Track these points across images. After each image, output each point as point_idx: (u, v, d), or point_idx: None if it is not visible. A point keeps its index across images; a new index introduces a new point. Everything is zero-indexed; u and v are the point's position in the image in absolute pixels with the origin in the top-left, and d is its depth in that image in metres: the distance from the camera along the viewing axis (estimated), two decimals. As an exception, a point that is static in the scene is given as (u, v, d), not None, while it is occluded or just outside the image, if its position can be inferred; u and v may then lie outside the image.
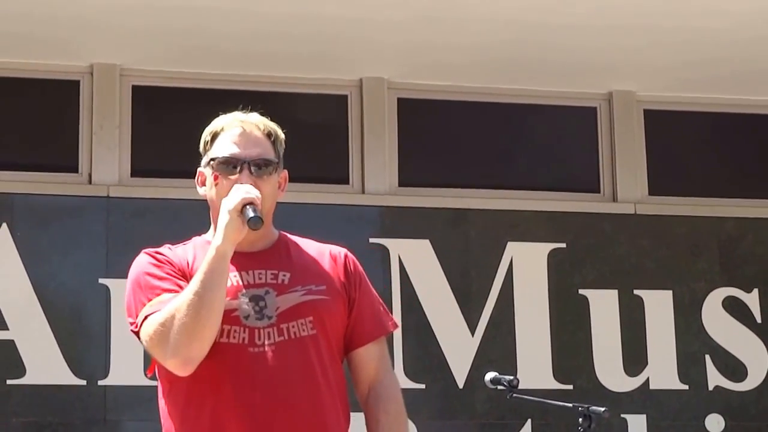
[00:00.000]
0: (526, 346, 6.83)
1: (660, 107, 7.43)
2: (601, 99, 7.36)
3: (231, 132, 3.11)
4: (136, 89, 6.81)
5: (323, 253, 3.18)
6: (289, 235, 3.21)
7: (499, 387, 5.21)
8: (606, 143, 7.34)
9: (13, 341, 6.28)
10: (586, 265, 7.03)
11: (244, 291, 3.02)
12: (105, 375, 6.29)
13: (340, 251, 3.21)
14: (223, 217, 2.95)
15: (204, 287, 2.89)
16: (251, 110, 3.16)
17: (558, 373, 6.86)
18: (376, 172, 6.98)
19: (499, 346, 6.80)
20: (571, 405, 5.03)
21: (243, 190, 2.97)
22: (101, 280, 6.36)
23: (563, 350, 6.90)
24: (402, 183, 7.08)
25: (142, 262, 3.10)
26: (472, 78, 7.11)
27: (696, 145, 7.56)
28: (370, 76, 7.04)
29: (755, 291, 7.14)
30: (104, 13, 6.19)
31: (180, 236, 6.89)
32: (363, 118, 7.05)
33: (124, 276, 6.45)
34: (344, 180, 7.00)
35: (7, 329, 6.29)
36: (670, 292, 7.07)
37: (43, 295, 6.35)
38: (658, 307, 7.03)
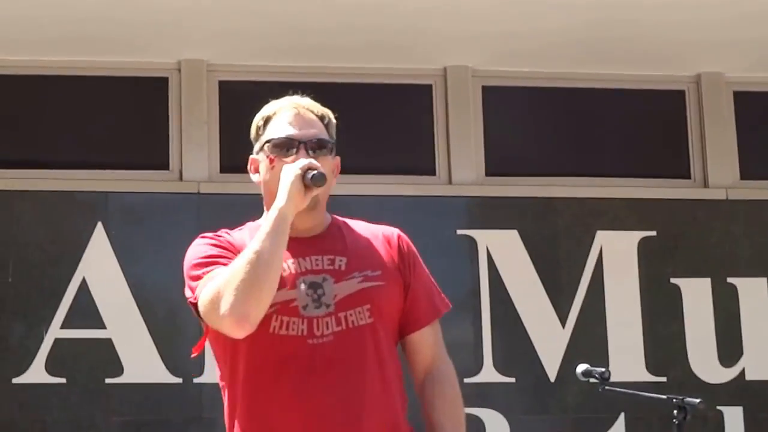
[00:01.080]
0: (618, 337, 6.74)
1: (750, 88, 7.29)
2: (689, 82, 7.24)
3: (285, 114, 3.07)
4: (223, 84, 6.81)
5: (376, 235, 3.12)
6: (339, 218, 3.15)
7: (591, 380, 5.15)
8: (695, 127, 7.21)
9: (110, 340, 6.33)
10: (677, 254, 6.92)
11: (302, 278, 2.98)
12: (200, 373, 6.30)
13: (393, 232, 3.15)
14: (287, 179, 2.91)
15: (263, 246, 2.83)
16: (308, 97, 3.13)
17: (651, 365, 6.77)
18: (462, 163, 6.92)
19: (590, 338, 6.72)
20: (665, 397, 4.95)
21: (307, 160, 2.95)
22: None
23: (656, 341, 6.80)
24: (489, 173, 7.01)
25: (199, 243, 3.08)
26: (556, 63, 7.02)
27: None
28: (454, 64, 6.97)
29: None
30: (190, 10, 6.18)
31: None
32: (448, 108, 6.99)
33: None
34: (431, 171, 6.95)
35: (105, 328, 6.33)
36: (765, 279, 6.94)
37: (139, 293, 6.37)
38: (753, 295, 6.90)
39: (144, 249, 6.45)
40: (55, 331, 6.31)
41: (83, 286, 6.34)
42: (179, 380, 6.33)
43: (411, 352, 3.10)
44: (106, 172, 6.64)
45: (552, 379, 6.67)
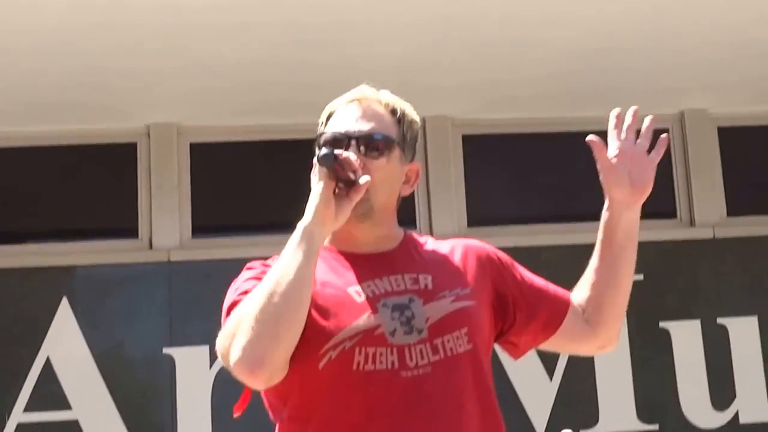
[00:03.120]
0: (608, 386, 6.59)
1: (734, 123, 7.17)
2: (672, 120, 7.13)
3: (345, 108, 2.66)
4: (194, 147, 6.69)
5: (454, 248, 2.72)
6: (415, 234, 2.77)
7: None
8: (680, 165, 7.10)
9: (77, 421, 6.14)
10: (666, 297, 6.77)
11: (383, 301, 2.54)
12: (174, 450, 6.15)
13: (471, 243, 2.76)
14: (314, 190, 2.50)
15: (281, 272, 2.43)
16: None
17: (642, 412, 6.61)
18: (443, 214, 6.79)
19: (579, 389, 6.57)
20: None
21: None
22: (165, 350, 6.22)
23: (646, 388, 6.65)
24: (471, 223, 6.88)
25: (239, 277, 2.65)
26: (539, 109, 6.92)
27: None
28: (434, 114, 6.80)
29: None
30: (157, 73, 6.09)
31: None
32: (427, 159, 6.87)
33: (189, 344, 6.21)
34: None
35: (70, 409, 6.15)
36: (755, 318, 6.77)
37: (107, 369, 6.18)
38: (744, 334, 6.74)
39: (113, 323, 6.27)
40: (18, 416, 6.11)
41: (47, 365, 6.16)
42: (153, 457, 6.17)
43: (570, 336, 2.81)
44: (72, 244, 6.49)
45: (541, 432, 6.53)
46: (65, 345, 6.20)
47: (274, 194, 6.71)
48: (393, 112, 2.67)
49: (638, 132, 2.88)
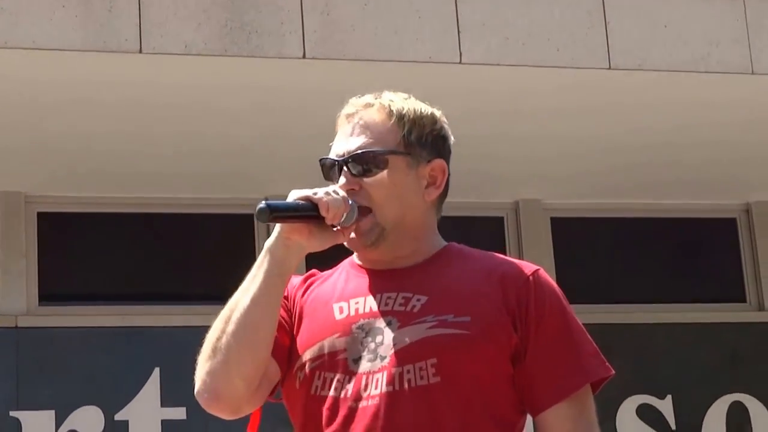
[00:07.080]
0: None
1: (566, 215, 7.41)
2: (508, 209, 7.36)
3: (340, 128, 2.42)
4: (41, 216, 6.65)
5: (492, 272, 2.35)
6: (462, 249, 2.43)
7: None
8: (513, 250, 7.23)
9: None
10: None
11: (361, 322, 2.33)
12: None
13: (520, 272, 2.35)
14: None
15: (237, 297, 2.32)
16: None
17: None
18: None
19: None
20: None
21: (306, 192, 2.30)
22: (12, 413, 6.16)
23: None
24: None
25: None
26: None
27: (603, 250, 7.52)
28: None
29: (668, 397, 7.05)
30: (5, 142, 6.05)
31: (91, 365, 6.20)
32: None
33: (36, 408, 6.19)
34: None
35: None
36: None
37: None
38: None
39: (-44, 390, 6.17)
40: None
41: None
42: None
43: None
44: None
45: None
46: None
47: (119, 264, 6.74)
48: (392, 115, 2.40)
49: None
